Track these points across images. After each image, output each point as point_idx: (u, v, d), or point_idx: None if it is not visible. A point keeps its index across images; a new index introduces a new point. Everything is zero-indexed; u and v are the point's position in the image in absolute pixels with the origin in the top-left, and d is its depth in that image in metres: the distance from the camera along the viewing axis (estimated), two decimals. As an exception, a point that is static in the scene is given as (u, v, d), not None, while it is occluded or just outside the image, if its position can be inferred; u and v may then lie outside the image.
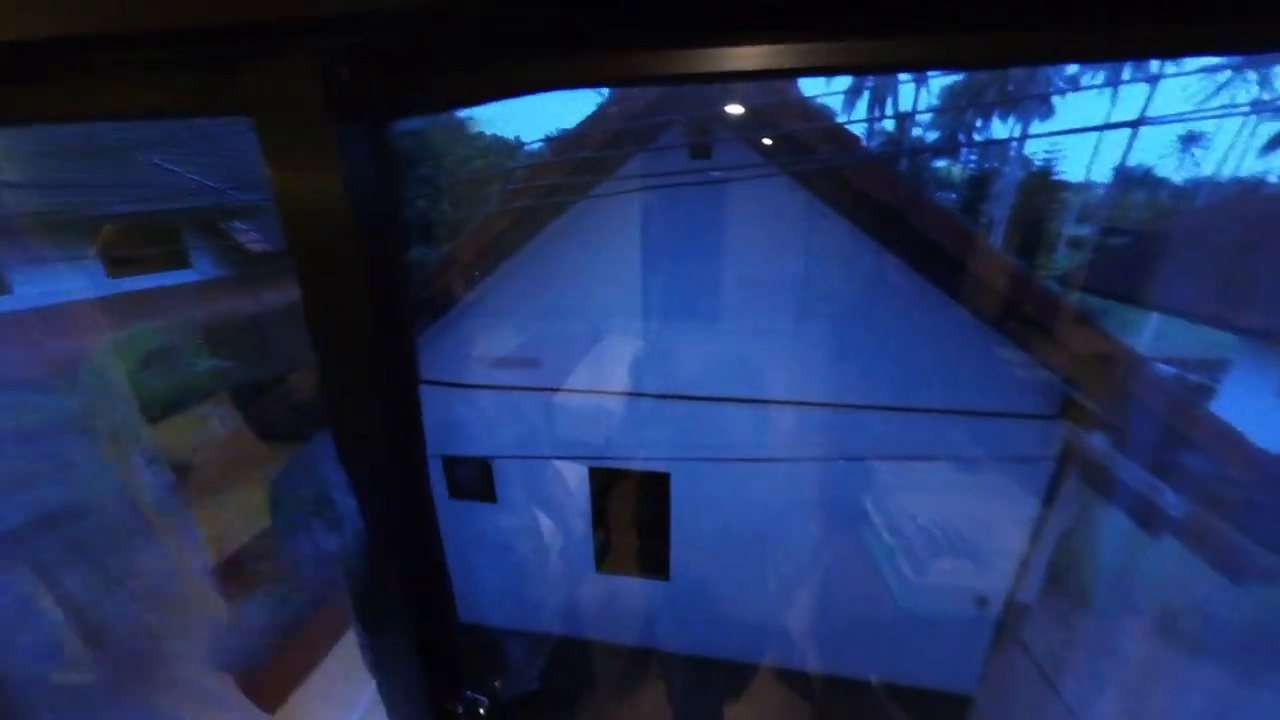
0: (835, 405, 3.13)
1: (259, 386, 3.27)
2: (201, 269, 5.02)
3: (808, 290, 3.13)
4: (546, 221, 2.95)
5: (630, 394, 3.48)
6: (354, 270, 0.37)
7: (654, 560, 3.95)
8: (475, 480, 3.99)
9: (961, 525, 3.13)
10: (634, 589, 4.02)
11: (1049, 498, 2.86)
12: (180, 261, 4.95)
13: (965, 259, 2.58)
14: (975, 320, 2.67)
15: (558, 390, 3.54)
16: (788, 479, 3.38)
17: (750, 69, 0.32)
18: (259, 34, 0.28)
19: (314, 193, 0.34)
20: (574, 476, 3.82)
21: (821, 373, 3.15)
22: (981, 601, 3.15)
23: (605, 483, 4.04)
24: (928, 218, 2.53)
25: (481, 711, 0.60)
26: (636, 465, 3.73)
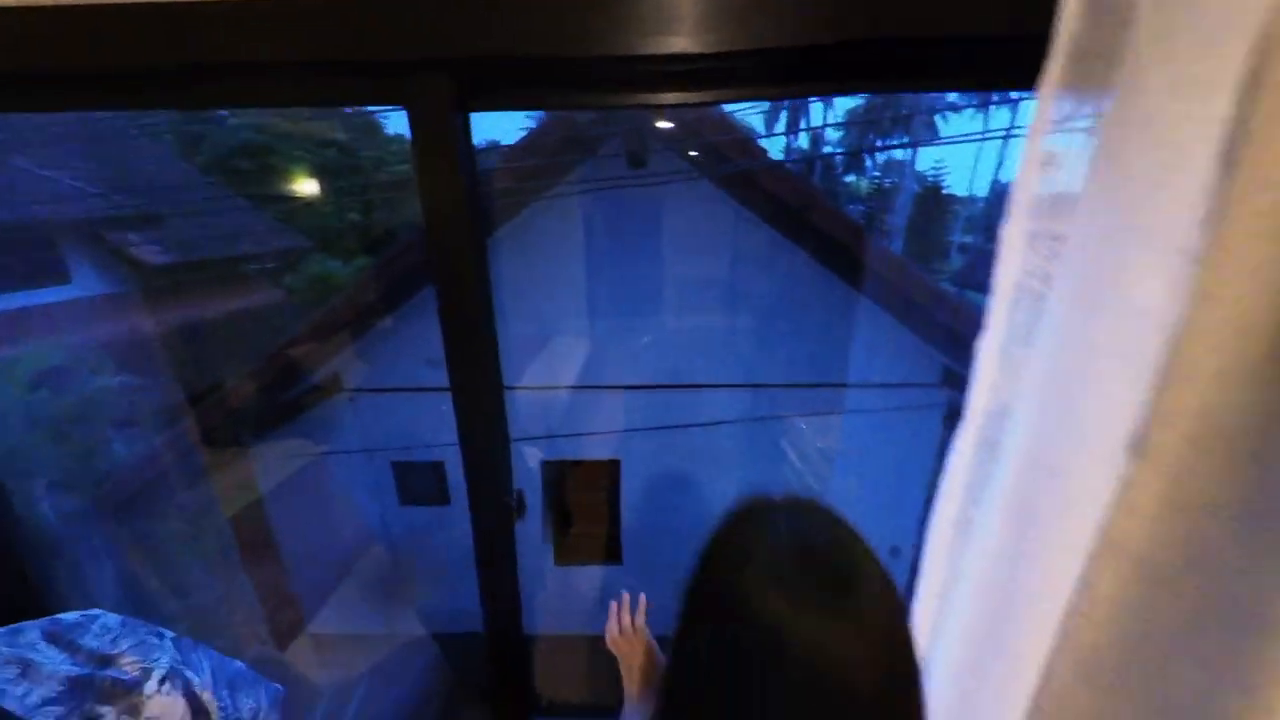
0: (762, 386, 3.53)
1: (194, 398, 3.13)
2: (83, 284, 4.56)
3: (735, 286, 3.52)
4: (496, 224, 3.12)
5: (579, 387, 3.69)
6: (471, 243, 0.56)
7: (608, 546, 4.16)
8: (428, 485, 4.00)
9: (872, 484, 3.62)
10: (591, 576, 4.20)
11: (939, 455, 3.40)
12: (57, 276, 4.48)
13: (862, 257, 3.07)
14: (877, 308, 3.17)
15: (510, 388, 3.67)
16: (723, 456, 3.72)
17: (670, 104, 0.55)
18: (422, 64, 0.46)
19: (444, 175, 0.53)
20: (528, 471, 3.95)
21: (749, 358, 3.55)
22: (893, 551, 3.65)
23: (559, 474, 4.20)
24: (831, 221, 2.99)
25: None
26: (588, 455, 3.93)
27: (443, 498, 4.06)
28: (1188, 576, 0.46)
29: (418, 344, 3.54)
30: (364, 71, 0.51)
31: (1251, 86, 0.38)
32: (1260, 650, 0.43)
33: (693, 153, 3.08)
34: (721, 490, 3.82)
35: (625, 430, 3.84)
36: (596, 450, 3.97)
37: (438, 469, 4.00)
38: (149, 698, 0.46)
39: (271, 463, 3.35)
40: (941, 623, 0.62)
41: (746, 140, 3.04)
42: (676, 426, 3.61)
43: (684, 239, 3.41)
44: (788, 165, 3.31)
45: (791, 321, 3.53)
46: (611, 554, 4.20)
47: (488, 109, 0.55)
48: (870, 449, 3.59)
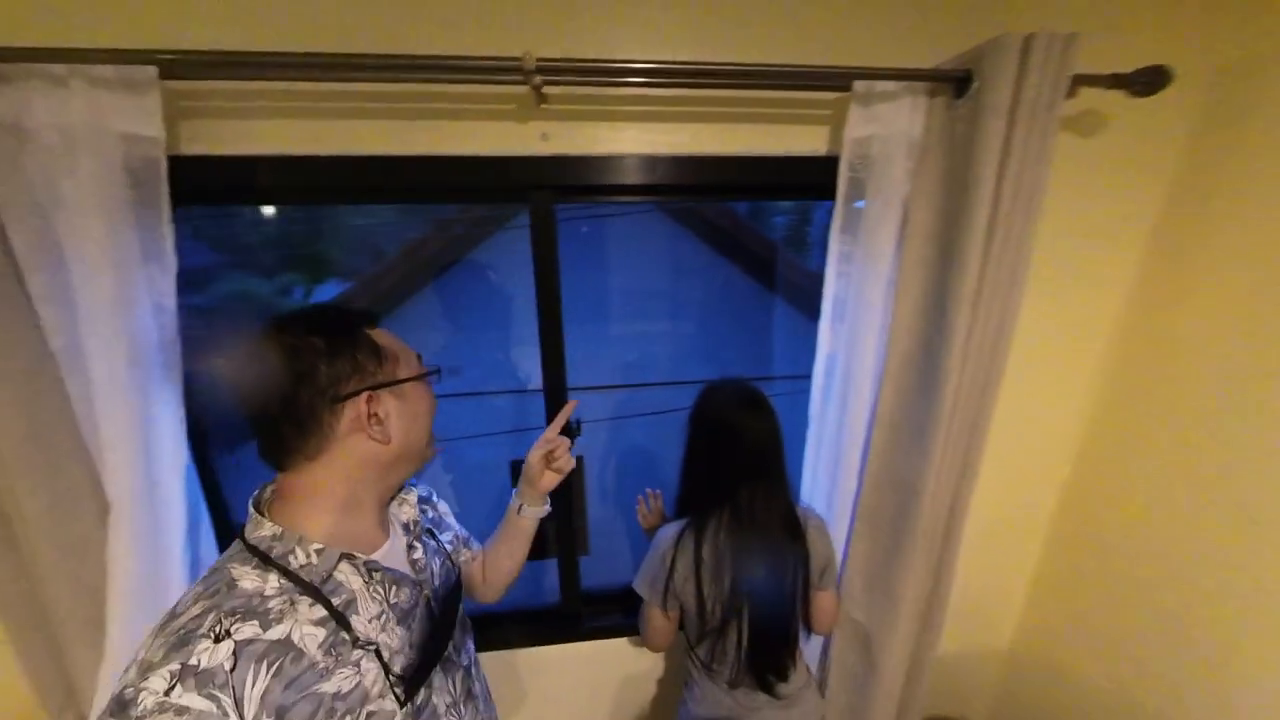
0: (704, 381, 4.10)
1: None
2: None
3: (678, 297, 4.09)
4: (468, 248, 3.46)
5: (540, 390, 4.06)
6: (557, 277, 0.99)
7: (577, 538, 4.52)
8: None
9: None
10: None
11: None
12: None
13: (782, 269, 3.74)
14: (798, 312, 3.85)
15: (480, 394, 3.99)
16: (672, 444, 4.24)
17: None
18: (536, 186, 0.94)
19: (548, 242, 0.97)
20: (499, 469, 4.23)
21: (693, 359, 4.12)
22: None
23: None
24: (755, 241, 3.64)
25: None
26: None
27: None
28: (905, 427, 1.02)
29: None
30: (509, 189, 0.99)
31: (911, 212, 0.94)
32: (926, 451, 0.99)
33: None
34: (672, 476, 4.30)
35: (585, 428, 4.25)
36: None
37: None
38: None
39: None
40: (817, 452, 1.17)
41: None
42: (633, 416, 4.09)
43: (634, 258, 3.93)
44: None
45: (727, 326, 4.14)
46: (580, 545, 4.57)
47: (570, 204, 1.04)
48: (794, 427, 4.24)
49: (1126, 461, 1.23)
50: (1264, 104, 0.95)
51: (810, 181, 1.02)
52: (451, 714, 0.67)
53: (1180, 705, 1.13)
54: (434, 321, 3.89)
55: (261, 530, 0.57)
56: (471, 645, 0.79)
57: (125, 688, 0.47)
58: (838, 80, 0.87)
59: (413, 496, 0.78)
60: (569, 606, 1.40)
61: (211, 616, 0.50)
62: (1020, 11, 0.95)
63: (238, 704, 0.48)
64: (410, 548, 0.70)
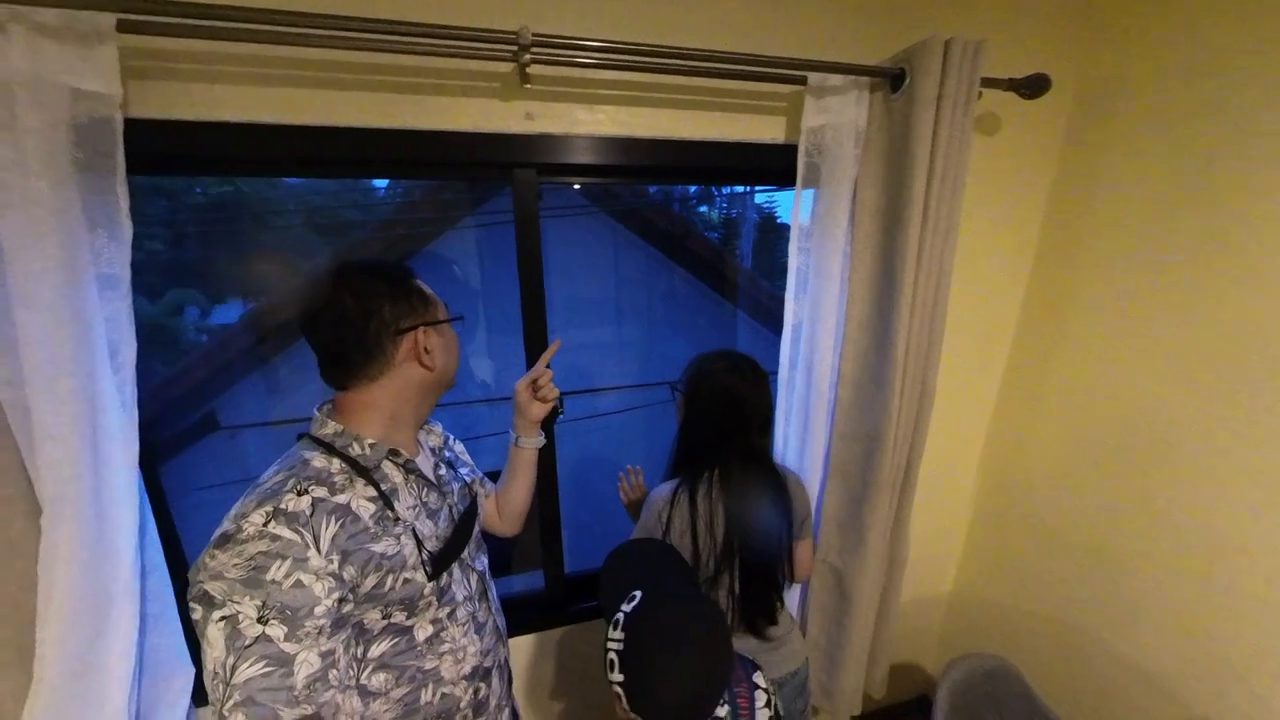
0: (653, 385, 4.19)
1: None
2: None
3: (623, 300, 4.17)
4: (411, 252, 3.33)
5: (493, 400, 3.96)
6: (539, 258, 0.99)
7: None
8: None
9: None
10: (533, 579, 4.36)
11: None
12: None
13: (724, 273, 3.93)
14: (739, 312, 4.06)
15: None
16: (624, 445, 4.27)
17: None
18: (519, 164, 0.94)
19: (531, 223, 0.97)
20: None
21: (641, 361, 4.20)
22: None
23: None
24: (699, 245, 3.81)
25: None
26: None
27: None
28: (866, 384, 1.14)
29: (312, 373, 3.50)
30: (494, 165, 1.00)
31: (859, 192, 1.07)
32: (885, 404, 1.11)
33: (576, 186, 3.67)
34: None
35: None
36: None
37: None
38: None
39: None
40: (788, 414, 1.26)
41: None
42: (585, 418, 4.08)
43: (579, 262, 3.96)
44: (658, 201, 4.08)
45: (675, 327, 4.27)
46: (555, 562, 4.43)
47: (553, 183, 1.07)
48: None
49: (1034, 412, 1.44)
50: (1126, 113, 1.18)
51: (771, 166, 1.13)
52: (468, 605, 0.81)
53: (1096, 625, 1.33)
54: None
55: (327, 429, 0.71)
56: (485, 559, 0.92)
57: (226, 528, 0.60)
58: (795, 70, 0.98)
59: (439, 428, 0.93)
60: (553, 592, 1.39)
61: (293, 480, 0.64)
62: (945, 19, 1.13)
63: (315, 539, 0.62)
64: (436, 466, 0.85)
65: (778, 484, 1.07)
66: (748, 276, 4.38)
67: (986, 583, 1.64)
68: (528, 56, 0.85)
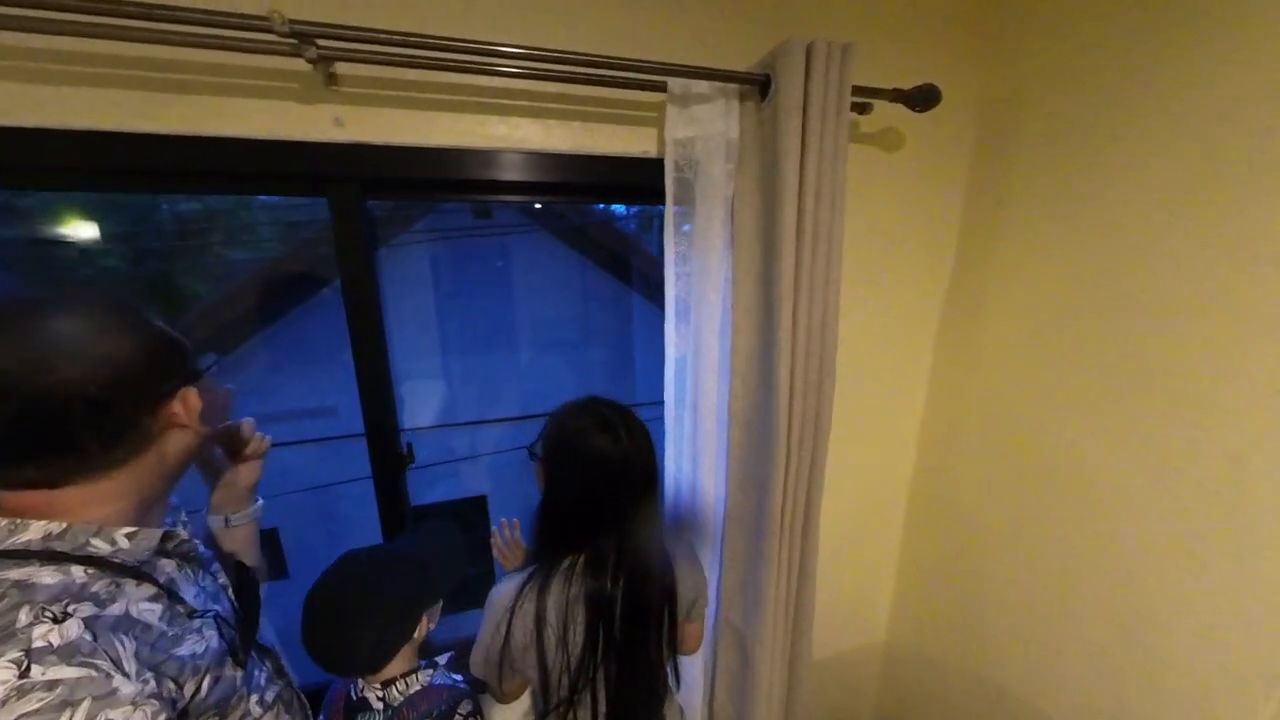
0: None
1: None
2: None
3: (576, 320, 4.04)
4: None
5: (437, 427, 3.77)
6: (372, 287, 0.83)
7: (485, 586, 4.15)
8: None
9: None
10: (467, 621, 4.11)
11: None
12: None
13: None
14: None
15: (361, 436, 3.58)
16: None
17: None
18: (340, 178, 0.80)
19: (355, 241, 0.81)
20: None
21: (597, 383, 4.05)
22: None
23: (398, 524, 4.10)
24: (650, 265, 3.71)
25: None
26: (453, 495, 3.96)
27: (279, 570, 3.66)
28: (755, 424, 1.01)
29: (243, 399, 3.27)
30: (300, 179, 0.86)
31: (736, 212, 0.95)
32: (772, 448, 0.98)
33: (537, 206, 3.57)
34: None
35: (490, 468, 3.98)
36: (462, 488, 4.02)
37: (271, 537, 3.62)
38: None
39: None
40: (678, 458, 1.12)
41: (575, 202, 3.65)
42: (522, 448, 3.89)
43: (529, 280, 3.83)
44: (611, 221, 4.00)
45: (631, 349, 4.14)
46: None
47: (382, 199, 0.92)
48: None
49: (955, 458, 1.33)
50: (1026, 129, 1.10)
51: (642, 183, 1.01)
52: (272, 686, 0.68)
53: (1021, 684, 1.20)
54: (288, 359, 3.47)
55: (24, 534, 0.49)
56: (272, 629, 0.78)
57: None
58: (651, 74, 0.87)
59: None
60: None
61: (27, 609, 0.44)
62: (823, 23, 1.03)
63: (116, 665, 0.46)
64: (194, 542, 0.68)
65: (662, 563, 0.87)
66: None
67: (920, 635, 1.51)
68: (314, 51, 0.72)
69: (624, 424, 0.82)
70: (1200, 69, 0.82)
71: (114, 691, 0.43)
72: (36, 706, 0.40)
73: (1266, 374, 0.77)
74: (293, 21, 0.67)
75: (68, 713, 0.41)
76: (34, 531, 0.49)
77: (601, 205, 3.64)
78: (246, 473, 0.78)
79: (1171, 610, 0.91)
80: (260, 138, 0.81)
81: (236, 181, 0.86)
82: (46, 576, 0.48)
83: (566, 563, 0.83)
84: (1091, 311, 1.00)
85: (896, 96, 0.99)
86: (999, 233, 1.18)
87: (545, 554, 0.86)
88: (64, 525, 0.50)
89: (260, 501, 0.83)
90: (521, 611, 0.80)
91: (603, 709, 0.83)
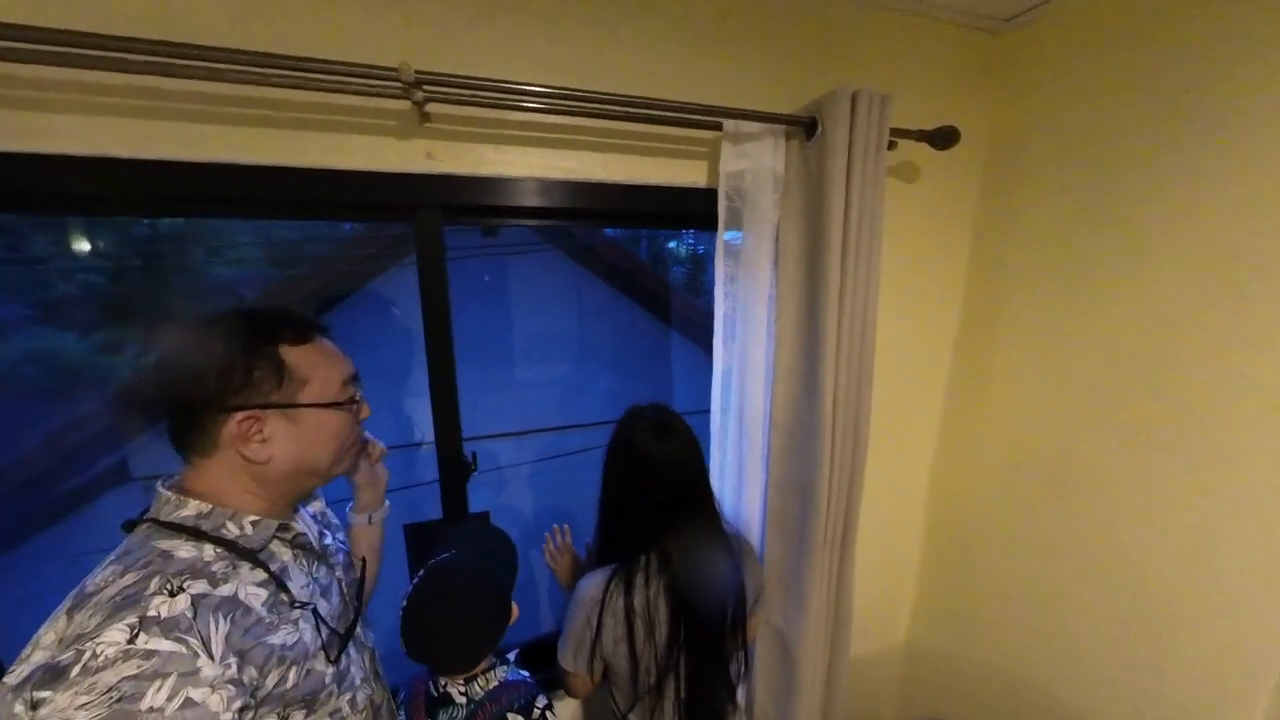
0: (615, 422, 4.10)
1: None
2: None
3: (583, 337, 4.11)
4: (352, 288, 3.19)
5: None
6: (446, 301, 0.91)
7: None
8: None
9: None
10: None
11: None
12: None
13: (683, 310, 3.95)
14: (698, 348, 4.05)
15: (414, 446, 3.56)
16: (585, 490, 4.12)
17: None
18: (424, 204, 0.88)
19: (436, 263, 0.88)
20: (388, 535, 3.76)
21: (602, 398, 4.11)
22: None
23: (423, 537, 4.06)
24: (656, 283, 3.82)
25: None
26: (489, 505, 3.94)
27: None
28: (798, 432, 1.09)
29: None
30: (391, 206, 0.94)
31: (781, 236, 1.05)
32: (817, 454, 1.06)
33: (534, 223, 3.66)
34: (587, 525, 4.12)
35: (490, 480, 3.99)
36: (485, 501, 4.01)
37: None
38: None
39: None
40: (723, 464, 1.19)
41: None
42: (541, 460, 3.92)
43: (538, 298, 3.90)
44: (619, 238, 4.09)
45: (632, 365, 4.23)
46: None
47: (459, 224, 1.01)
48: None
49: (973, 462, 1.43)
50: (1030, 164, 1.23)
51: (693, 211, 1.11)
52: (365, 688, 0.73)
53: (1044, 678, 1.28)
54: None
55: (184, 510, 0.59)
56: (371, 632, 0.84)
57: (58, 659, 0.46)
58: (708, 116, 0.97)
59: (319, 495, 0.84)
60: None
61: (158, 579, 0.52)
62: (860, 74, 1.15)
63: (206, 644, 0.51)
64: (321, 534, 0.76)
65: (731, 556, 0.94)
66: (700, 311, 4.40)
67: (940, 633, 1.58)
68: (420, 94, 0.80)
69: (675, 423, 0.91)
70: (1180, 98, 0.96)
71: (197, 671, 0.49)
72: (135, 672, 0.46)
73: (1271, 374, 0.88)
74: (418, 72, 0.75)
75: (157, 683, 0.47)
76: (190, 509, 0.59)
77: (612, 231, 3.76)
78: (382, 473, 0.88)
79: (1181, 602, 1.00)
80: (360, 169, 0.88)
81: (337, 209, 0.93)
82: (184, 550, 0.56)
83: (644, 560, 0.89)
84: (1099, 322, 1.11)
85: (922, 136, 1.10)
86: (1009, 250, 1.30)
87: (616, 554, 0.92)
88: (210, 507, 0.59)
89: (388, 503, 0.91)
90: (612, 605, 0.86)
91: (683, 696, 0.88)
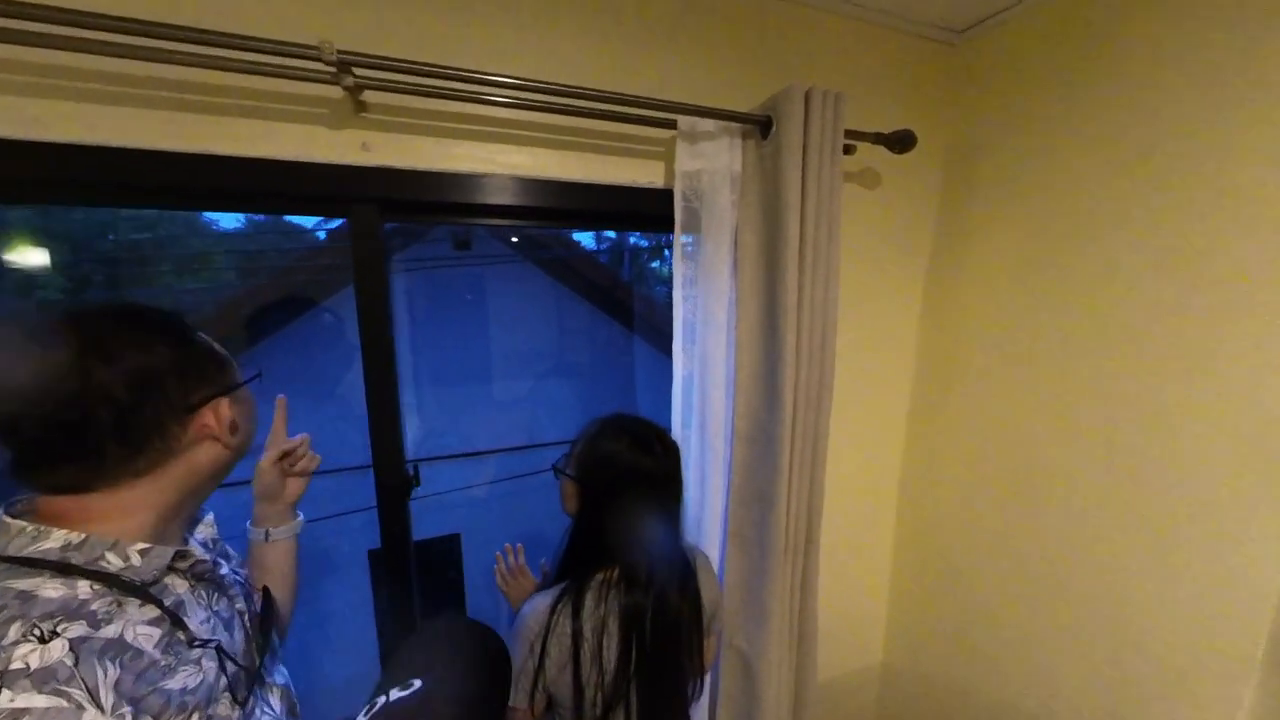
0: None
1: None
2: None
3: (560, 352, 4.05)
4: (317, 298, 3.09)
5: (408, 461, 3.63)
6: (386, 305, 0.84)
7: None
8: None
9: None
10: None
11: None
12: None
13: (660, 325, 3.92)
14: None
15: (330, 472, 3.41)
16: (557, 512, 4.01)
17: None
18: (359, 199, 0.82)
19: (374, 262, 0.81)
20: (351, 557, 3.59)
21: (578, 415, 4.03)
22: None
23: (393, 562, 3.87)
24: (631, 297, 3.80)
25: None
26: (423, 534, 3.78)
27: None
28: (759, 440, 1.05)
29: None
30: (324, 200, 0.88)
31: (740, 238, 1.02)
32: (776, 462, 1.02)
33: (514, 239, 3.62)
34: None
35: (464, 502, 3.85)
36: (433, 527, 3.85)
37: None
38: None
39: None
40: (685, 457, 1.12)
41: (560, 234, 3.73)
42: (510, 478, 3.80)
43: (510, 312, 3.84)
44: (599, 254, 4.08)
45: (614, 380, 4.17)
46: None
47: (399, 222, 0.94)
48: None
49: (938, 471, 1.40)
50: (988, 174, 1.24)
51: (650, 211, 1.08)
52: None
53: (1018, 690, 1.23)
54: (268, 385, 3.31)
55: (46, 542, 0.49)
56: (285, 670, 0.73)
57: None
58: (662, 112, 0.94)
59: (209, 515, 0.72)
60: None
61: (18, 625, 0.44)
62: (816, 76, 1.14)
63: (92, 695, 0.44)
64: (215, 563, 0.65)
65: (687, 574, 0.88)
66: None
67: (915, 653, 1.53)
68: (351, 79, 0.76)
69: (658, 440, 0.86)
70: (1120, 114, 0.97)
71: None
72: None
73: (1223, 381, 0.87)
74: (340, 52, 0.70)
75: None
76: (54, 540, 0.49)
77: (575, 235, 3.74)
78: (293, 487, 0.79)
79: (1155, 608, 0.97)
80: (289, 159, 0.82)
81: (262, 201, 0.87)
82: (51, 590, 0.47)
83: (599, 578, 0.83)
84: (1060, 331, 1.10)
85: (879, 139, 1.10)
86: (969, 258, 1.30)
87: (576, 571, 0.85)
88: (83, 536, 0.50)
89: (301, 518, 0.82)
90: (558, 632, 0.79)
91: None
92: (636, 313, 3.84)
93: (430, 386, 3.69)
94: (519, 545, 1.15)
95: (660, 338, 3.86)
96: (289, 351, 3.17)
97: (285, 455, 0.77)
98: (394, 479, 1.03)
